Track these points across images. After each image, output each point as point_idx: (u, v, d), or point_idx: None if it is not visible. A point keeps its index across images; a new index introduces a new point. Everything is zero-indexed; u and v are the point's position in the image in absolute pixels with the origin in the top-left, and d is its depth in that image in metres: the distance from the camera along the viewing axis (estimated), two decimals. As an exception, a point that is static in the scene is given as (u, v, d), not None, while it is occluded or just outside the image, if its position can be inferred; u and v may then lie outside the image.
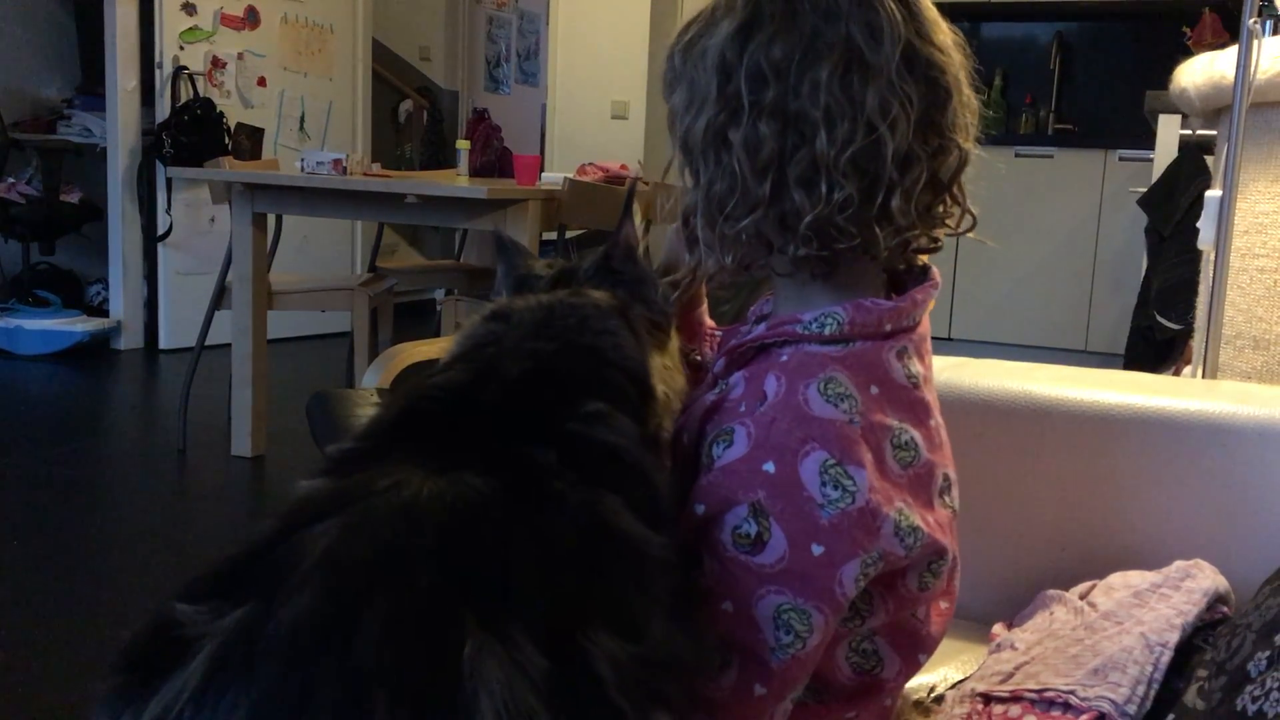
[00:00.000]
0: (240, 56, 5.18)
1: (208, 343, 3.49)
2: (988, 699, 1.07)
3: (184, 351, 4.37)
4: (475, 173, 4.22)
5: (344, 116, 5.79)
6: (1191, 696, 0.96)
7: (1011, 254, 5.01)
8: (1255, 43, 1.78)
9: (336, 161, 3.24)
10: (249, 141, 4.91)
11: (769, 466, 0.81)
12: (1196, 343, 2.05)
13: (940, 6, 0.88)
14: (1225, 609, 1.14)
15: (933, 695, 1.11)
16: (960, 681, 1.13)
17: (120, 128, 4.87)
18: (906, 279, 0.93)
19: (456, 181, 3.56)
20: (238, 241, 3.26)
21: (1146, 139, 3.55)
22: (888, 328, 0.87)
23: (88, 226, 5.08)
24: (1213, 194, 1.91)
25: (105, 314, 5.04)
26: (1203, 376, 1.93)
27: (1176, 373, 2.67)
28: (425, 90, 6.76)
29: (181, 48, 4.93)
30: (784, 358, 0.87)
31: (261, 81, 5.29)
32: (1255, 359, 1.92)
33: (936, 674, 1.14)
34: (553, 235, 3.19)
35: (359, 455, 0.73)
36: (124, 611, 2.26)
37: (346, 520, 0.64)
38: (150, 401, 4.45)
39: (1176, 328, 2.75)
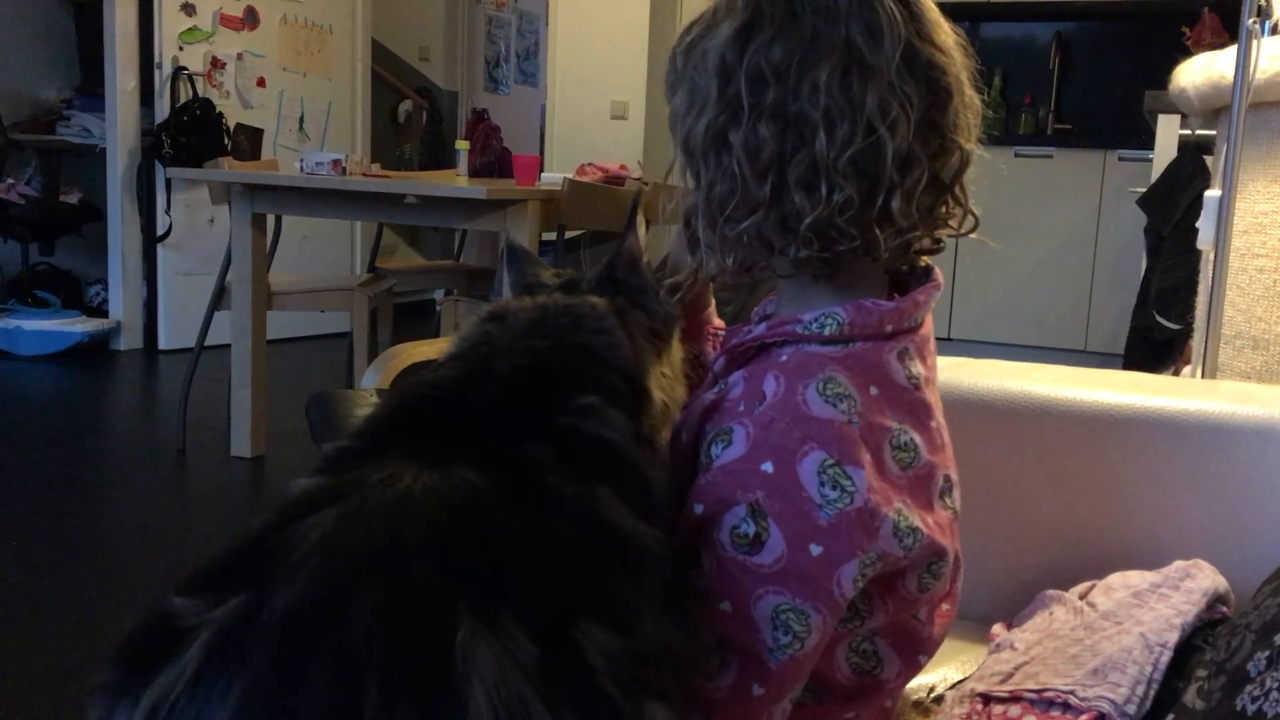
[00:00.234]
0: (239, 57, 5.18)
1: (207, 343, 3.49)
2: (987, 699, 1.07)
3: (183, 352, 4.37)
4: (475, 173, 4.22)
5: (343, 117, 5.79)
6: (1191, 696, 0.96)
7: (1011, 254, 5.01)
8: (1254, 43, 1.78)
9: (336, 162, 3.24)
10: (248, 142, 4.91)
11: (767, 466, 0.81)
12: (1196, 343, 2.05)
13: (940, 6, 0.88)
14: (1225, 609, 1.14)
15: (932, 695, 1.11)
16: (960, 682, 1.13)
17: (119, 128, 4.87)
18: (909, 280, 0.93)
19: (456, 182, 3.56)
20: (237, 242, 3.26)
21: (1146, 139, 3.55)
22: (888, 328, 0.87)
23: (87, 227, 5.08)
24: (1212, 194, 1.91)
25: (105, 314, 5.03)
26: (1202, 376, 1.93)
27: (1176, 373, 2.67)
28: (425, 90, 6.76)
29: (181, 48, 4.93)
30: (783, 358, 0.87)
31: (261, 82, 5.29)
32: (1255, 359, 1.92)
33: (936, 674, 1.14)
34: (552, 236, 3.19)
35: (353, 453, 0.74)
36: (124, 611, 2.26)
37: (340, 512, 0.65)
38: (150, 402, 4.45)
39: (1176, 328, 2.75)
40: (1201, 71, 2.06)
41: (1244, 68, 1.80)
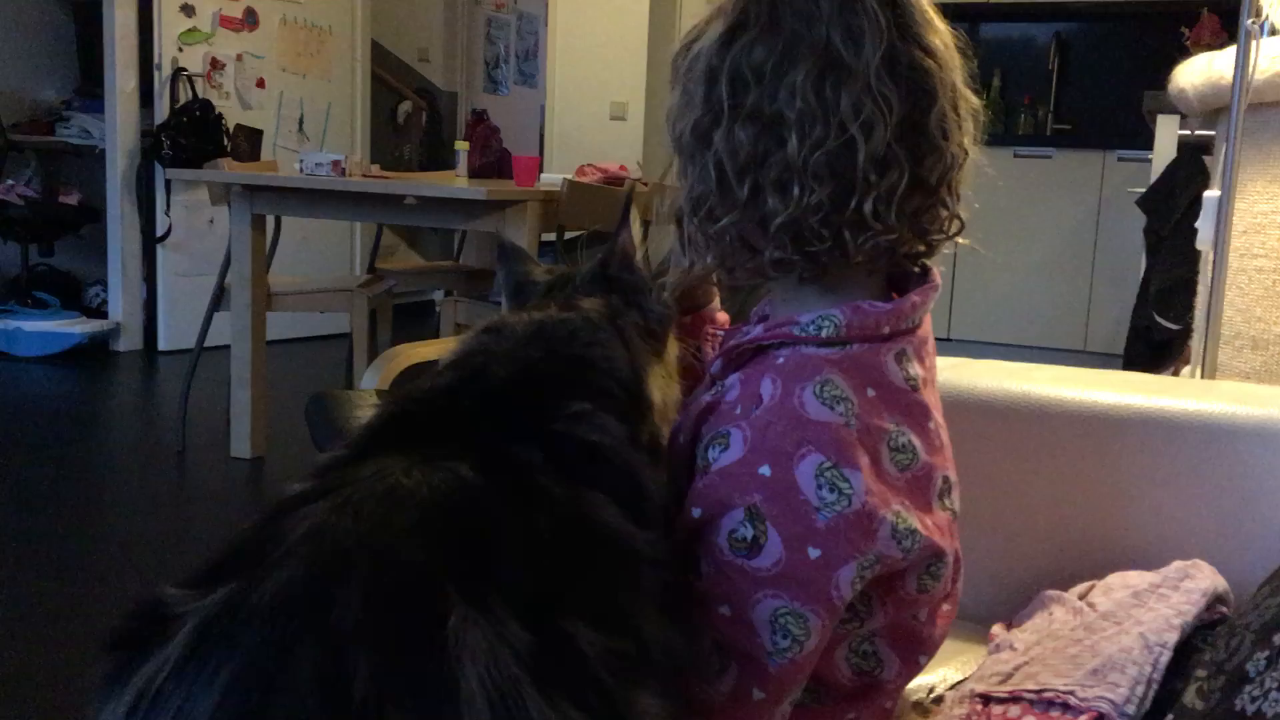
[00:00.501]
0: (239, 58, 5.18)
1: (207, 344, 3.49)
2: (987, 699, 1.07)
3: (183, 353, 4.37)
4: (474, 174, 4.21)
5: (343, 118, 5.79)
6: (1190, 696, 0.96)
7: (1010, 254, 5.01)
8: (1253, 43, 1.79)
9: (335, 163, 3.24)
10: (247, 143, 4.91)
11: (765, 470, 0.81)
12: (1195, 343, 2.05)
13: (939, 7, 0.88)
14: (1224, 609, 1.14)
15: (932, 696, 1.11)
16: (959, 682, 1.13)
17: (119, 129, 4.87)
18: (908, 281, 0.93)
19: (455, 183, 3.56)
20: (236, 243, 3.26)
21: (1145, 139, 3.54)
22: (885, 330, 0.87)
23: (86, 228, 5.08)
24: (1211, 194, 1.91)
25: (104, 316, 5.03)
26: (1201, 376, 1.93)
27: (1175, 373, 2.67)
28: (424, 91, 6.75)
29: (180, 49, 4.93)
30: (780, 360, 0.87)
31: (260, 83, 5.29)
32: (1254, 359, 1.92)
33: (936, 675, 1.14)
34: (552, 236, 3.19)
35: (345, 460, 0.74)
36: (124, 612, 2.25)
37: (331, 504, 0.65)
38: (149, 403, 4.45)
39: (1175, 328, 2.75)
40: (1200, 72, 2.06)
41: (1243, 68, 1.80)
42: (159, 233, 4.94)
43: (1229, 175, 1.86)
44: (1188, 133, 2.95)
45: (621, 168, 3.65)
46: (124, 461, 3.51)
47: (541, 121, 6.12)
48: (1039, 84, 5.65)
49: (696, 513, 0.84)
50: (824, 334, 0.86)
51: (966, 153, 0.88)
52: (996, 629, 1.23)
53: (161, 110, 4.87)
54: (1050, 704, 1.01)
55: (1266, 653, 0.90)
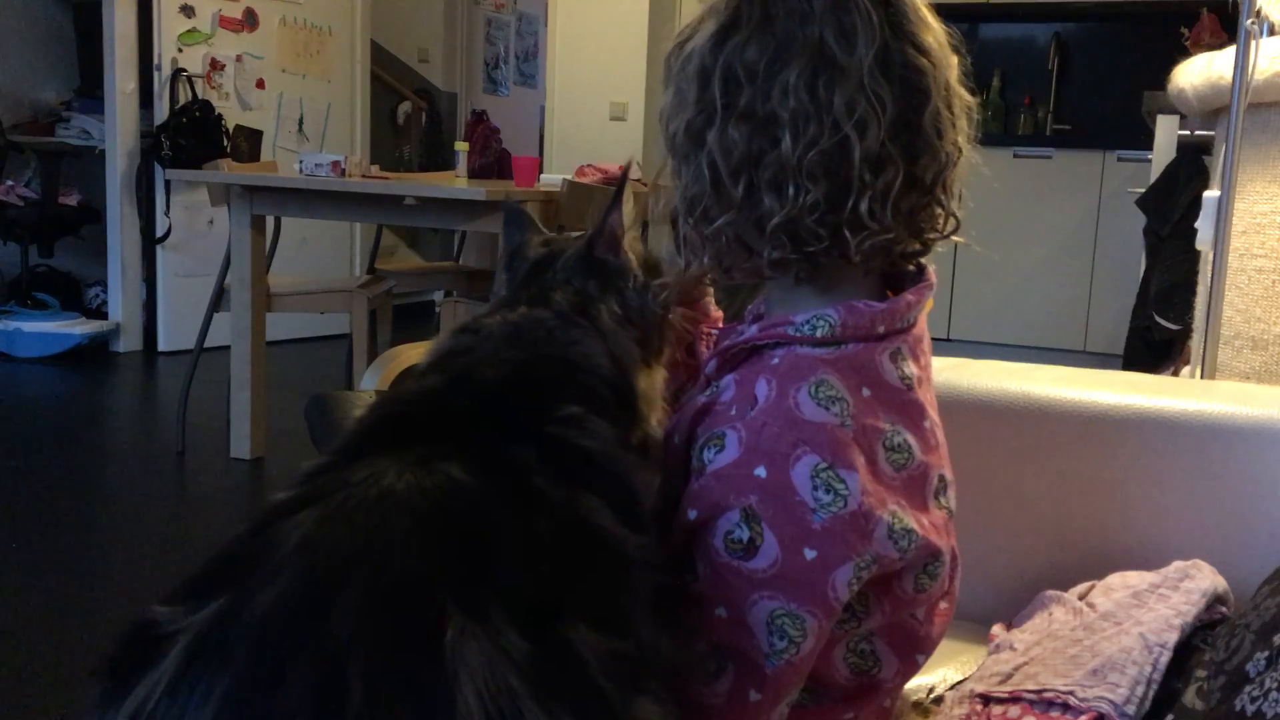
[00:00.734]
0: (239, 59, 5.18)
1: (206, 345, 3.49)
2: (986, 700, 1.06)
3: (183, 354, 4.37)
4: (474, 174, 4.21)
5: (342, 118, 5.79)
6: (1190, 697, 0.96)
7: (1010, 255, 5.01)
8: (1253, 43, 1.78)
9: (335, 163, 3.24)
10: (247, 144, 4.91)
11: (760, 471, 0.81)
12: (1195, 343, 2.05)
13: (938, 7, 0.88)
14: (1224, 609, 1.14)
15: (931, 696, 1.11)
16: (959, 682, 1.13)
17: (119, 130, 4.87)
18: (903, 280, 0.93)
19: (455, 183, 3.56)
20: (236, 244, 3.26)
21: (1145, 139, 3.54)
22: (880, 329, 0.87)
23: (86, 229, 5.08)
24: (1211, 194, 1.91)
25: (104, 316, 5.03)
26: (1201, 377, 1.93)
27: (1175, 373, 2.67)
28: (424, 92, 6.76)
29: (180, 50, 4.93)
30: (775, 360, 0.86)
31: (260, 84, 5.29)
32: (1254, 359, 1.92)
33: (935, 675, 1.14)
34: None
35: (332, 465, 0.73)
36: (123, 614, 2.25)
37: (321, 512, 0.64)
38: (149, 404, 4.45)
39: (1175, 328, 2.75)
40: (1200, 72, 2.06)
41: (1242, 68, 1.80)
42: (159, 233, 4.94)
43: (1229, 175, 1.86)
44: (1187, 133, 2.95)
45: (621, 168, 3.65)
46: (124, 462, 3.51)
47: (541, 122, 6.12)
48: (1039, 84, 5.65)
49: (692, 514, 0.83)
50: (819, 334, 0.86)
51: (961, 151, 0.87)
52: (996, 629, 1.23)
53: (161, 111, 4.87)
54: (1050, 704, 1.01)
55: (1266, 653, 0.90)
